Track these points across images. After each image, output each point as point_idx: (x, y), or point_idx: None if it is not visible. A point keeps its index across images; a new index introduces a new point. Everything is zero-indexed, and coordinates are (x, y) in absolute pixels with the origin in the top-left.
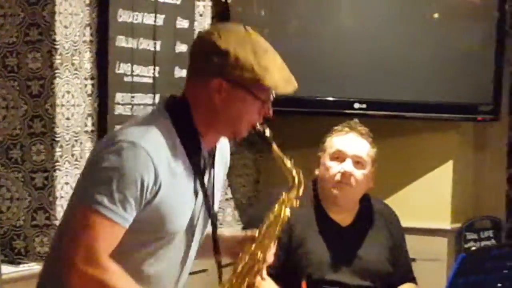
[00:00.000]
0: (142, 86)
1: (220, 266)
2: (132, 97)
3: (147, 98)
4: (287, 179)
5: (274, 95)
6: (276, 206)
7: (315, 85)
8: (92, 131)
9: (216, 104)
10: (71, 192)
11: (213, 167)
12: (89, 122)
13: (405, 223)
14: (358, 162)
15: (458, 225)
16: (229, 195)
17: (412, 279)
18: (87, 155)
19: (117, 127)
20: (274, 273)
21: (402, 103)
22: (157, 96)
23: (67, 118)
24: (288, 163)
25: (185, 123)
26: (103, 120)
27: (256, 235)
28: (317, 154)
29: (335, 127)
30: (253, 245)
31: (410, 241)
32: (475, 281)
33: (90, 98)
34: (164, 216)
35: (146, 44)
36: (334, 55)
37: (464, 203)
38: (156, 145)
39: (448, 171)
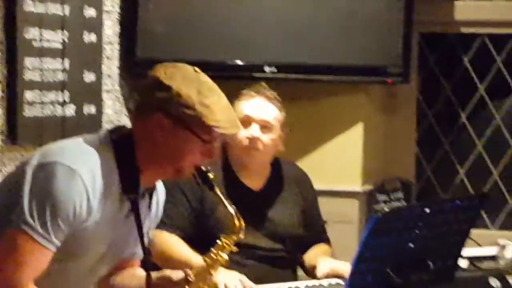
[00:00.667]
0: (51, 51)
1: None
2: (41, 62)
3: (57, 63)
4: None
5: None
6: (214, 250)
7: (224, 49)
8: (1, 97)
9: (158, 142)
10: None
11: (149, 207)
12: None
13: (316, 185)
14: (265, 127)
15: (369, 187)
16: (161, 208)
17: (326, 240)
18: None
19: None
20: (188, 238)
21: (312, 66)
22: (66, 61)
23: None
24: (230, 209)
25: (127, 158)
26: (12, 85)
27: (191, 277)
28: None
29: (243, 91)
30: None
31: (321, 203)
32: (387, 242)
33: None
34: (82, 244)
35: (55, 9)
36: (242, 19)
37: (374, 165)
38: (93, 175)
39: (358, 133)
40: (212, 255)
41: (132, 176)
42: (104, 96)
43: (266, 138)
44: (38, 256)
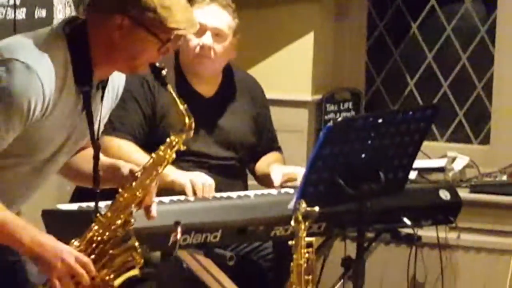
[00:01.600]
0: None
1: (96, 199)
2: None
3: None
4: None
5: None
6: (163, 147)
7: None
8: None
9: (115, 41)
10: None
11: (101, 100)
12: None
13: (267, 94)
14: (217, 35)
15: (319, 96)
16: (119, 94)
17: (278, 149)
18: None
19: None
20: (140, 145)
21: None
22: None
23: None
24: (181, 107)
25: (81, 50)
26: None
27: (138, 173)
28: None
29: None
30: (134, 183)
31: (272, 113)
32: (340, 151)
33: None
34: (39, 139)
35: None
36: None
37: (324, 75)
38: (49, 70)
39: (309, 42)
40: (160, 152)
41: (85, 68)
42: (55, 0)
43: (219, 46)
44: None
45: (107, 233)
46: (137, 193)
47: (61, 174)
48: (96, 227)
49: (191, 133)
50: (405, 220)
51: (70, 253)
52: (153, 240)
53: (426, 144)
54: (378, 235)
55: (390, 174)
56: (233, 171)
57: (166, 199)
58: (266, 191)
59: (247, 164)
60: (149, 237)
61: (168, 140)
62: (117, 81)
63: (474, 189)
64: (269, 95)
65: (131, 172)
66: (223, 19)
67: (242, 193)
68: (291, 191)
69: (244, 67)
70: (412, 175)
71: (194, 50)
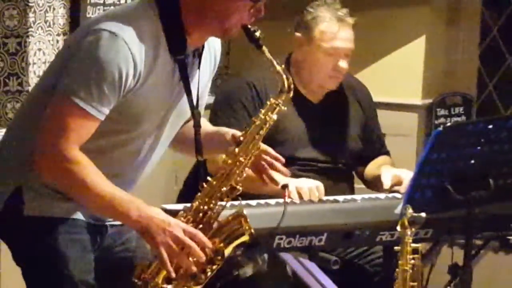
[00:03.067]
0: None
1: (200, 166)
2: None
3: None
4: (256, 52)
5: None
6: (263, 110)
7: None
8: None
9: (206, 2)
10: (43, 58)
11: (199, 67)
12: None
13: (376, 97)
14: (347, 55)
15: (429, 100)
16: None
17: (386, 153)
18: (60, 21)
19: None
20: None
21: None
22: None
23: None
24: (278, 68)
25: (172, 18)
26: None
27: (242, 138)
28: (295, 33)
29: (319, 13)
30: (237, 149)
31: (381, 116)
32: (449, 157)
33: None
34: (137, 111)
35: None
36: None
37: (435, 79)
38: (138, 38)
39: (420, 46)
40: (261, 115)
41: (178, 36)
42: None
43: (347, 64)
44: (82, 123)
45: (213, 201)
46: (241, 158)
47: (172, 146)
48: (202, 196)
49: (291, 93)
50: None
51: (178, 225)
52: (259, 242)
53: None
54: (487, 242)
55: (499, 181)
56: (340, 175)
57: (272, 201)
58: (373, 195)
59: (354, 168)
60: (255, 239)
61: (268, 102)
62: (213, 46)
63: None
64: (379, 98)
65: (234, 136)
66: (352, 40)
67: (349, 196)
68: (399, 195)
69: (355, 69)
70: None
71: (328, 69)
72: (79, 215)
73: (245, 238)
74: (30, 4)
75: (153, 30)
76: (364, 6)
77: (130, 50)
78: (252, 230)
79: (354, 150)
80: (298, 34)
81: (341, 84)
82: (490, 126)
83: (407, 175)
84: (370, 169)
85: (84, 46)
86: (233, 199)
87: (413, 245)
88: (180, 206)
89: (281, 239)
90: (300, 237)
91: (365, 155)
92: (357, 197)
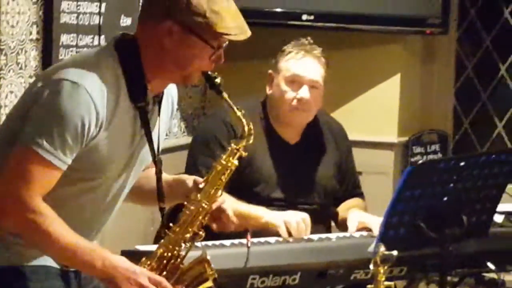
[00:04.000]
0: None
1: (163, 214)
2: (78, 5)
3: (93, 7)
4: (234, 91)
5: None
6: (224, 156)
7: None
8: (37, 39)
9: (166, 48)
10: (15, 101)
11: (159, 114)
12: (34, 30)
13: (352, 136)
14: (313, 87)
15: (405, 138)
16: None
17: (360, 195)
18: (32, 63)
19: (63, 35)
20: (227, 190)
21: (350, 15)
22: (103, 5)
23: (12, 26)
24: (238, 113)
25: (133, 65)
26: (48, 28)
27: (202, 184)
28: (268, 70)
29: (289, 48)
30: (199, 195)
31: (357, 154)
32: (421, 195)
33: (35, 5)
34: (100, 159)
35: None
36: None
37: (411, 117)
38: (99, 85)
39: (396, 84)
40: (223, 161)
41: (139, 83)
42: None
43: (314, 98)
44: (45, 173)
45: (177, 248)
46: (203, 204)
47: (129, 198)
48: (165, 243)
49: (251, 138)
50: (490, 264)
51: (143, 273)
52: (231, 282)
53: None
54: (462, 279)
55: (473, 218)
56: (316, 215)
57: (245, 241)
58: (348, 234)
59: (330, 208)
60: (226, 279)
61: (229, 148)
62: (170, 93)
63: None
64: (355, 136)
65: (195, 183)
66: (317, 71)
67: (323, 235)
68: (374, 234)
69: (331, 108)
70: (499, 218)
71: (291, 102)
72: (50, 262)
73: (208, 284)
74: (1, 47)
75: (114, 78)
76: (340, 45)
77: (92, 98)
78: (216, 275)
79: (330, 191)
80: (270, 71)
81: (317, 124)
82: (462, 163)
83: (374, 222)
84: (341, 210)
85: (45, 97)
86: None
87: (386, 283)
88: (153, 247)
89: (254, 279)
90: (273, 276)
91: (339, 196)
92: (332, 235)
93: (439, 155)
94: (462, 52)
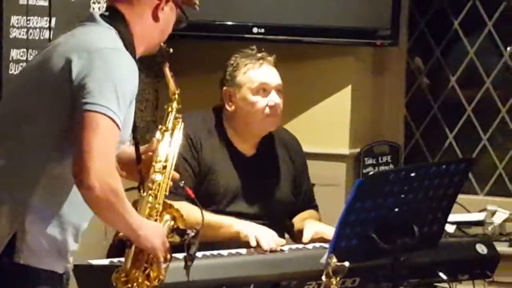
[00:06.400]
0: (37, 9)
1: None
2: (28, 20)
3: (43, 21)
4: (187, 103)
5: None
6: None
7: (213, 10)
8: None
9: (158, 18)
10: None
11: None
12: None
13: (304, 148)
14: (279, 91)
15: (357, 150)
16: None
17: (314, 207)
18: None
19: (13, 50)
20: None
21: (300, 27)
22: (53, 20)
23: None
24: (172, 83)
25: (128, 39)
26: None
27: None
28: (223, 89)
29: (241, 61)
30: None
31: (310, 166)
32: (372, 206)
33: None
34: (129, 120)
35: None
36: None
37: (362, 128)
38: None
39: (347, 96)
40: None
41: (133, 53)
42: None
43: (281, 102)
44: (116, 136)
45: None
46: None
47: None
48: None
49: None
50: (441, 274)
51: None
52: None
53: (466, 198)
54: None
55: (424, 228)
56: (274, 229)
57: (199, 254)
58: (301, 245)
59: (284, 221)
60: None
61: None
62: None
63: None
64: (307, 148)
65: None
66: (278, 75)
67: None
68: (326, 245)
69: (283, 120)
70: (451, 229)
71: (264, 111)
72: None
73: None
74: None
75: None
76: (290, 58)
77: (133, 60)
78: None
79: (286, 203)
80: (224, 88)
81: (272, 137)
82: (413, 174)
83: (331, 232)
84: (295, 222)
85: (97, 65)
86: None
87: None
88: (106, 261)
89: None
90: None
91: (294, 209)
92: (285, 247)
93: (391, 166)
94: (412, 63)
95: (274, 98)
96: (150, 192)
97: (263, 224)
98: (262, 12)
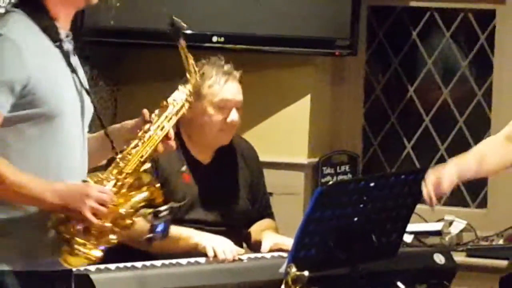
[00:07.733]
0: None
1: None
2: None
3: None
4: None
5: None
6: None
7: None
8: None
9: None
10: None
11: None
12: None
13: (262, 157)
14: (238, 108)
15: (315, 159)
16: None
17: (270, 215)
18: None
19: None
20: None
21: (259, 37)
22: None
23: None
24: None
25: (38, 13)
26: None
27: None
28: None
29: (207, 72)
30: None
31: (267, 175)
32: (331, 215)
33: None
34: (46, 94)
35: None
36: None
37: (321, 138)
38: (21, 31)
39: (306, 105)
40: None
41: (51, 26)
42: None
43: (239, 118)
44: None
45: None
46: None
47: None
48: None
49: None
50: (399, 284)
51: (89, 187)
52: None
53: (423, 208)
54: None
55: (383, 238)
56: (231, 236)
57: (158, 262)
58: (260, 254)
59: (241, 229)
60: None
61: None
62: None
63: (471, 253)
64: (265, 157)
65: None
66: (240, 92)
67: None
68: (285, 255)
69: (242, 129)
70: (409, 238)
71: (220, 125)
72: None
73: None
74: None
75: (29, 25)
76: (249, 67)
77: (17, 45)
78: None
79: (242, 211)
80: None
81: (229, 145)
82: (372, 184)
83: (289, 244)
84: (253, 231)
85: None
86: None
87: None
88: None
89: None
90: None
91: (250, 217)
92: (243, 256)
93: (349, 175)
94: (370, 73)
95: (233, 116)
96: (124, 153)
97: (222, 231)
98: (221, 21)
